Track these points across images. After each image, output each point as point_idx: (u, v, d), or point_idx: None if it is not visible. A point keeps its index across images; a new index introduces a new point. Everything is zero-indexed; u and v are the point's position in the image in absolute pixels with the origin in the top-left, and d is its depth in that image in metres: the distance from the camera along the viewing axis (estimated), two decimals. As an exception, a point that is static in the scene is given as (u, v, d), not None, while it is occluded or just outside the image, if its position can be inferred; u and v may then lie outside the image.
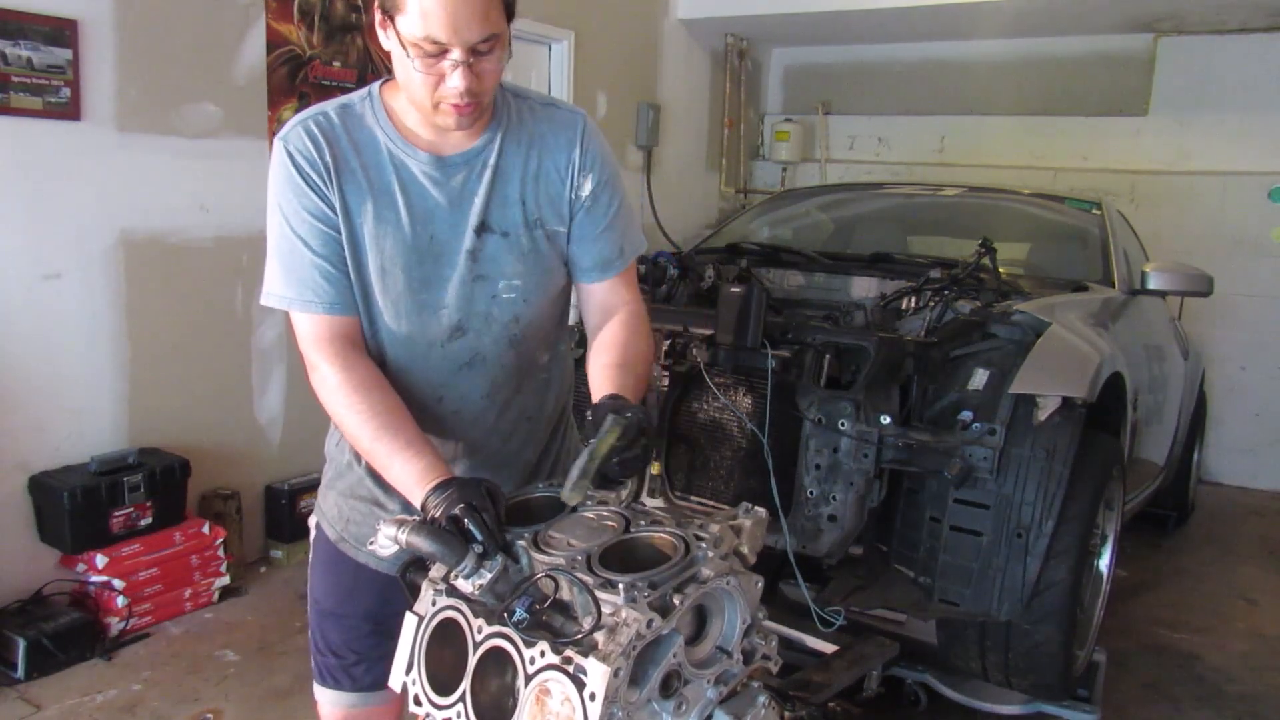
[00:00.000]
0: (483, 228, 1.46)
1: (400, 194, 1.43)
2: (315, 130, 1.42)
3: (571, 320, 1.61)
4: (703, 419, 2.67)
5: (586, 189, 1.51)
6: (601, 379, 1.46)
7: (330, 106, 1.46)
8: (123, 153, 3.26)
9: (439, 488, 1.28)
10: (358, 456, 1.57)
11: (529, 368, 1.57)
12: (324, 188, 1.41)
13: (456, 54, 1.29)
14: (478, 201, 1.45)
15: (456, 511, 1.22)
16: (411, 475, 1.33)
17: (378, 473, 1.55)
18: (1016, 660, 2.49)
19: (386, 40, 1.34)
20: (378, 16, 1.33)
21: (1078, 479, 2.39)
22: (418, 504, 1.30)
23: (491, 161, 1.46)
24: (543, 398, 1.62)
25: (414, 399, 1.51)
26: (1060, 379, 2.39)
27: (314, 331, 1.43)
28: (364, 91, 1.48)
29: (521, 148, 1.48)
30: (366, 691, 1.63)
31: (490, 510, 1.23)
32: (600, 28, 5.37)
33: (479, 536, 1.20)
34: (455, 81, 1.31)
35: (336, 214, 1.42)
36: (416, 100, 1.37)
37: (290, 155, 1.40)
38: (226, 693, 2.88)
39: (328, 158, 1.41)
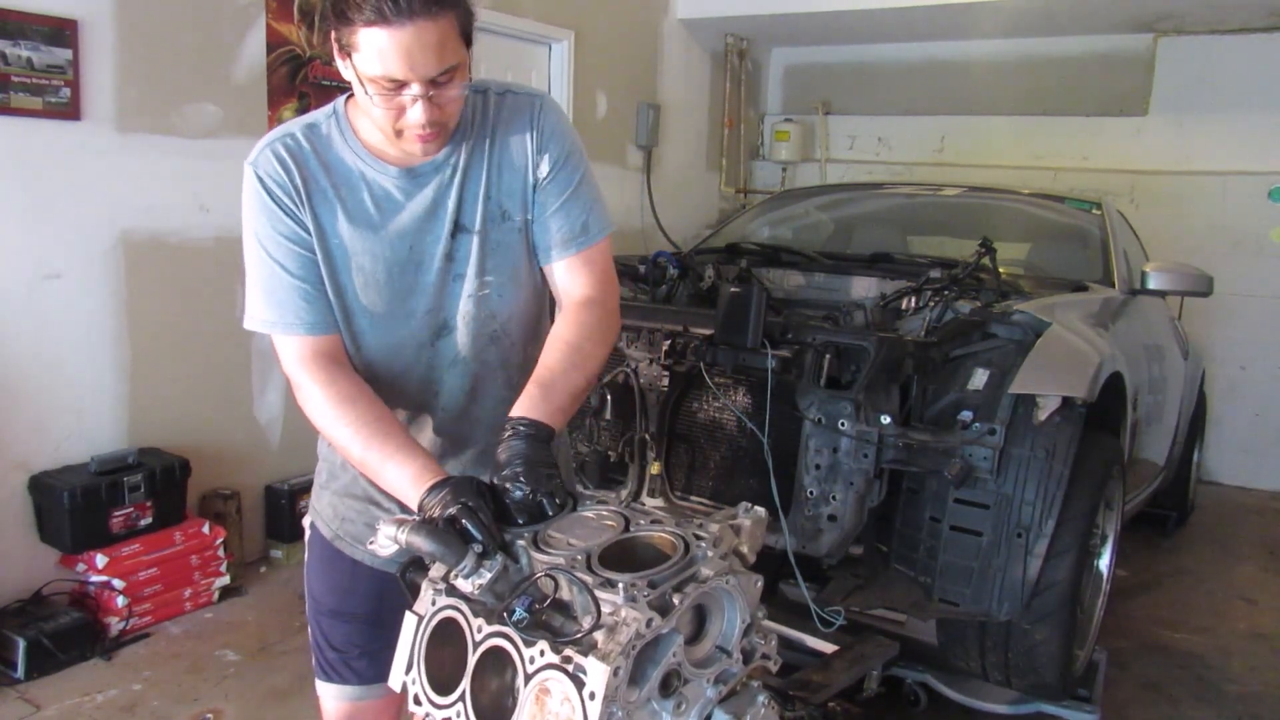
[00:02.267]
0: (457, 229, 1.47)
1: (375, 210, 1.45)
2: (283, 153, 1.42)
3: None
4: (703, 419, 2.67)
5: (545, 167, 1.50)
6: (523, 394, 1.42)
7: (296, 127, 1.46)
8: (123, 153, 3.26)
9: (434, 488, 1.28)
10: None
11: (515, 362, 1.58)
12: (296, 210, 1.42)
13: (415, 88, 1.29)
14: (450, 204, 1.46)
15: (453, 511, 1.22)
16: (406, 478, 1.33)
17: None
18: (1016, 660, 2.49)
19: (345, 72, 1.34)
20: (335, 49, 1.33)
21: (1078, 479, 2.39)
22: (415, 506, 1.30)
23: (460, 164, 1.46)
24: None
25: (409, 399, 1.53)
26: (1060, 379, 2.39)
27: (297, 352, 1.44)
28: (329, 109, 1.48)
29: (484, 142, 1.48)
30: (369, 684, 1.64)
31: (486, 509, 1.23)
32: (600, 28, 5.37)
33: (477, 536, 1.20)
34: (416, 115, 1.32)
35: (310, 235, 1.43)
36: (380, 129, 1.37)
37: (260, 180, 1.41)
38: (226, 693, 2.88)
39: (297, 180, 1.42)
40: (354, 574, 1.62)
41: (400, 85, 1.29)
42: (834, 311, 2.90)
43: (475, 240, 1.48)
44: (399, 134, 1.36)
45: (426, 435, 1.56)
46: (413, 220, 1.45)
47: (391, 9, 1.23)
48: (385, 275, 1.46)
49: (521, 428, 1.34)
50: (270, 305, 1.43)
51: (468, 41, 1.34)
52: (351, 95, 1.47)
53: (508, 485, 1.28)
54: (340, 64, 1.34)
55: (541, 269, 1.56)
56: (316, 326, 1.44)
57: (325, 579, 1.66)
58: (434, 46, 1.27)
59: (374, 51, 1.26)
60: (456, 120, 1.41)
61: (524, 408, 1.38)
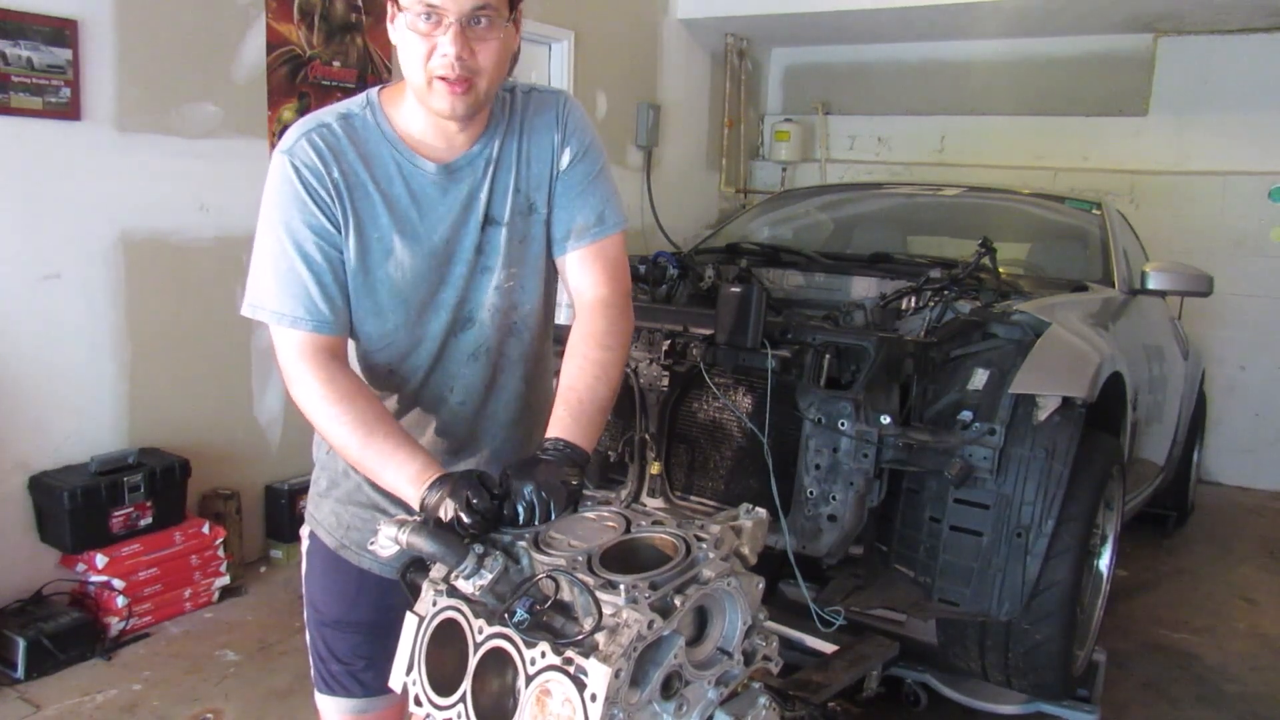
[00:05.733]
0: (487, 221, 1.48)
1: (412, 203, 1.44)
2: (321, 144, 1.40)
3: (564, 319, 1.60)
4: (703, 419, 2.67)
5: (565, 160, 1.52)
6: (552, 417, 1.45)
7: (330, 116, 1.44)
8: (123, 153, 3.26)
9: (434, 485, 1.30)
10: None
11: (530, 356, 1.58)
12: (330, 205, 1.40)
13: (450, 19, 1.31)
14: (482, 197, 1.47)
15: (454, 508, 1.24)
16: (406, 477, 1.33)
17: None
18: (1016, 660, 2.49)
19: (393, 30, 1.36)
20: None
21: (1078, 479, 2.39)
22: (415, 504, 1.31)
23: (493, 158, 1.48)
24: (546, 385, 1.64)
25: (427, 395, 1.53)
26: (1060, 379, 2.39)
27: (298, 347, 1.41)
28: (362, 99, 1.47)
29: (514, 137, 1.50)
30: (373, 696, 1.62)
31: (486, 506, 1.25)
32: (600, 28, 5.37)
33: (468, 525, 1.22)
34: (446, 47, 1.31)
35: (341, 232, 1.41)
36: (413, 78, 1.37)
37: (296, 170, 1.39)
38: (226, 693, 2.88)
39: (336, 174, 1.40)
40: (360, 582, 1.60)
41: (438, 18, 1.31)
42: (834, 311, 2.90)
43: (504, 232, 1.49)
44: (429, 83, 1.35)
45: (442, 430, 1.55)
46: (450, 214, 1.46)
47: None
48: (424, 267, 1.45)
49: (564, 448, 1.38)
50: (281, 297, 1.40)
51: (512, 2, 1.37)
52: (385, 86, 1.47)
53: (530, 520, 1.29)
54: (390, 25, 1.36)
55: (553, 263, 1.57)
56: (324, 325, 1.41)
57: (328, 589, 1.63)
58: None
59: None
60: (489, 86, 1.39)
61: (559, 429, 1.41)
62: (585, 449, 1.40)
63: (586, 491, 1.37)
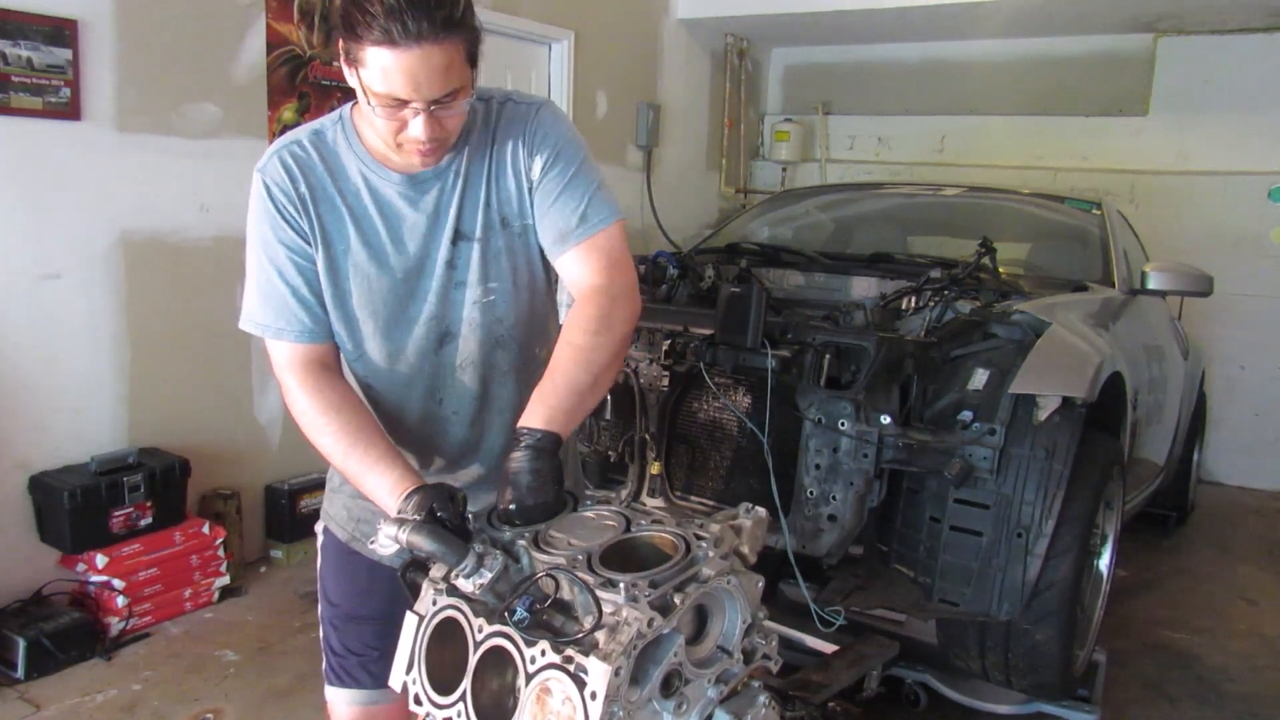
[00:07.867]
0: (457, 236, 1.48)
1: (378, 216, 1.46)
2: (290, 161, 1.44)
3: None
4: (703, 419, 2.67)
5: (536, 169, 1.48)
6: (529, 403, 1.39)
7: (304, 134, 1.48)
8: (123, 153, 3.26)
9: (409, 496, 1.33)
10: None
11: (524, 363, 1.58)
12: (298, 219, 1.44)
13: (418, 106, 1.31)
14: (451, 211, 1.47)
15: (420, 519, 1.26)
16: (385, 486, 1.36)
17: None
18: (1016, 660, 2.49)
19: (350, 79, 1.34)
20: (342, 55, 1.32)
21: (1078, 479, 2.39)
22: (393, 513, 1.33)
23: (461, 170, 1.47)
24: None
25: (414, 406, 1.55)
26: (1060, 379, 2.39)
27: (287, 358, 1.47)
28: (335, 115, 1.50)
29: (485, 151, 1.49)
30: (383, 688, 1.63)
31: (454, 517, 1.26)
32: (600, 28, 5.37)
33: (437, 546, 1.23)
34: (416, 131, 1.33)
35: (312, 244, 1.45)
36: (381, 138, 1.39)
37: (267, 187, 1.44)
38: (226, 693, 2.88)
39: (303, 188, 1.44)
40: (371, 575, 1.63)
41: (403, 103, 1.30)
42: (834, 311, 2.90)
43: (477, 248, 1.49)
44: (399, 146, 1.38)
45: (439, 441, 1.57)
46: (416, 227, 1.47)
47: (400, 32, 1.23)
48: (390, 282, 1.47)
49: (524, 437, 1.33)
50: (265, 310, 1.46)
51: (473, 63, 1.35)
52: (357, 102, 1.47)
53: (511, 506, 1.29)
54: (346, 70, 1.34)
55: (551, 268, 1.57)
56: (305, 334, 1.47)
57: (341, 582, 1.67)
58: (439, 70, 1.28)
59: (379, 70, 1.27)
60: (456, 136, 1.42)
61: (528, 417, 1.37)
62: (556, 433, 1.34)
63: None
